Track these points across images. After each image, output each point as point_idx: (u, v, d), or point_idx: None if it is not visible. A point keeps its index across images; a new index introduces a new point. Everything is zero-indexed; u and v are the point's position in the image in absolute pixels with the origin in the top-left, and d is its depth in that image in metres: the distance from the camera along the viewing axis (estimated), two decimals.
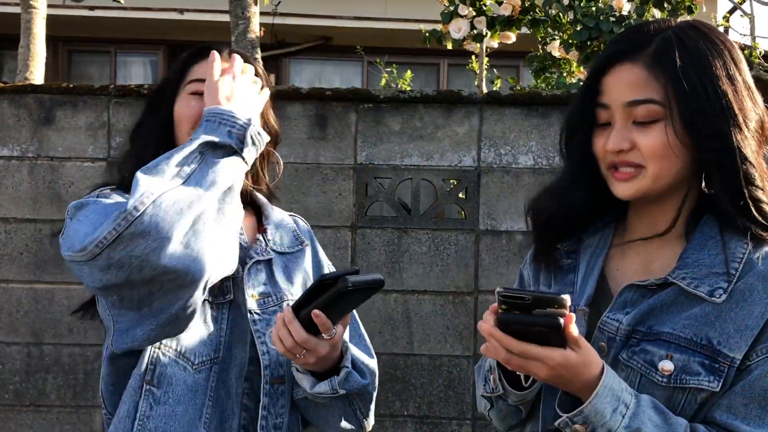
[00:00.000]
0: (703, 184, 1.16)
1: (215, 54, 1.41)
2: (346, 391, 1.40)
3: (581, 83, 1.27)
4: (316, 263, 1.61)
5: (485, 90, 4.68)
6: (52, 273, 3.27)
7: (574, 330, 1.04)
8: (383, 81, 7.16)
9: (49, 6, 4.15)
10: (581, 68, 3.96)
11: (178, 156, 1.26)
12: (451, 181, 3.36)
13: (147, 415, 1.37)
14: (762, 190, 1.14)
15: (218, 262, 1.27)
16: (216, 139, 1.28)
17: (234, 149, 1.30)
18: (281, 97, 3.30)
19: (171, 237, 1.20)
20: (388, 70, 7.23)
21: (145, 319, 1.28)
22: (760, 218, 1.13)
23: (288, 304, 1.43)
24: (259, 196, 1.59)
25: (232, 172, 1.29)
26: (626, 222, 1.27)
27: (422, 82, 8.58)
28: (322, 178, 3.29)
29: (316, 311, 1.25)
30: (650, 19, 1.23)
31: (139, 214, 1.18)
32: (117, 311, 1.30)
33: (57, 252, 3.26)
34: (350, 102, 3.29)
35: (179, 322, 1.30)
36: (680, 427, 1.09)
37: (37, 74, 3.88)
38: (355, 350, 1.48)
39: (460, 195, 3.34)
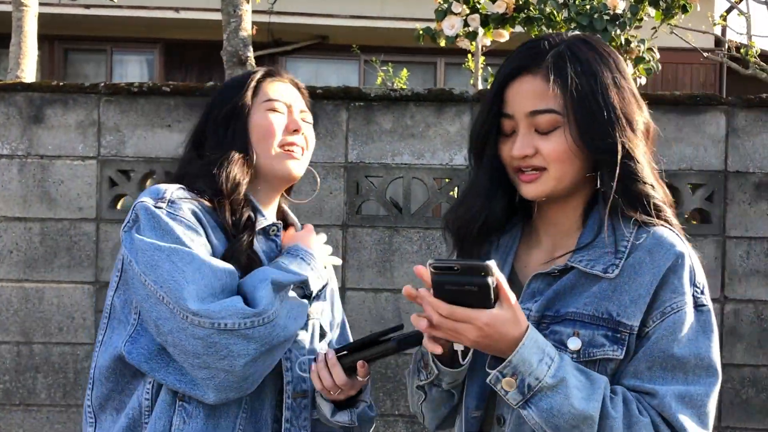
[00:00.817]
0: (598, 184, 1.27)
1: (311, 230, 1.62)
2: (358, 423, 1.48)
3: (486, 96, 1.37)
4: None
5: (481, 88, 4.68)
6: (42, 272, 3.26)
7: (505, 286, 1.12)
8: (379, 79, 7.15)
9: (45, 4, 4.15)
10: None
11: (294, 278, 1.43)
12: (444, 179, 3.35)
13: (180, 429, 1.37)
14: (651, 185, 1.27)
15: (256, 384, 1.40)
16: (310, 281, 1.48)
17: (305, 296, 1.50)
18: None
19: (265, 353, 1.35)
20: (384, 68, 7.23)
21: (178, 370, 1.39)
22: (649, 209, 1.26)
23: (330, 345, 1.58)
24: (290, 214, 1.69)
25: (303, 314, 1.47)
26: (531, 222, 1.39)
27: (419, 80, 8.56)
28: (313, 177, 3.28)
29: (362, 362, 1.37)
30: (545, 34, 1.38)
31: (263, 324, 1.33)
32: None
33: (47, 250, 3.25)
34: (341, 100, 3.28)
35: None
36: (601, 381, 1.18)
37: (28, 72, 3.87)
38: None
39: (452, 193, 3.33)
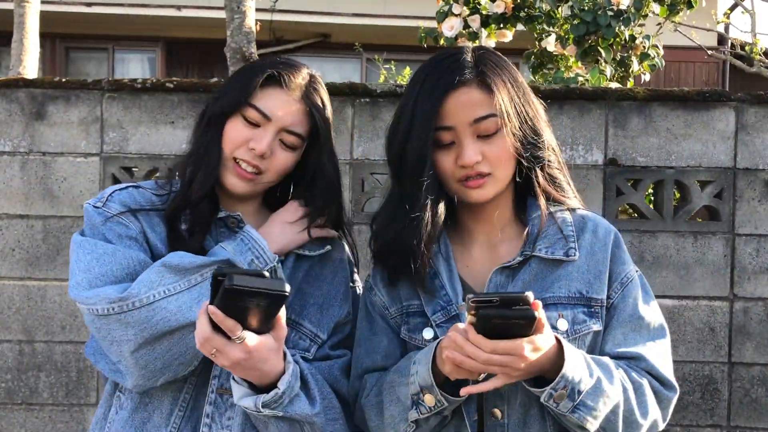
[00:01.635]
0: (518, 176, 1.38)
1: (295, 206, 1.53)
2: (285, 414, 1.31)
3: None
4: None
5: None
6: (45, 269, 3.23)
7: (543, 316, 1.20)
8: (382, 78, 7.13)
9: (46, 2, 4.12)
10: (579, 63, 3.92)
11: (200, 262, 1.36)
12: None
13: (112, 419, 1.44)
14: (559, 170, 1.43)
15: (170, 372, 1.36)
16: (236, 262, 1.39)
17: None
18: None
19: (148, 339, 1.31)
20: (387, 66, 7.20)
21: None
22: (573, 194, 1.45)
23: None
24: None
25: None
26: (459, 225, 1.45)
27: None
28: None
29: (210, 307, 1.19)
30: (451, 49, 1.43)
31: (134, 308, 1.31)
32: None
33: (49, 248, 3.22)
34: (346, 96, 3.25)
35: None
36: (610, 363, 1.31)
37: (29, 69, 3.85)
38: (328, 372, 1.44)
39: None
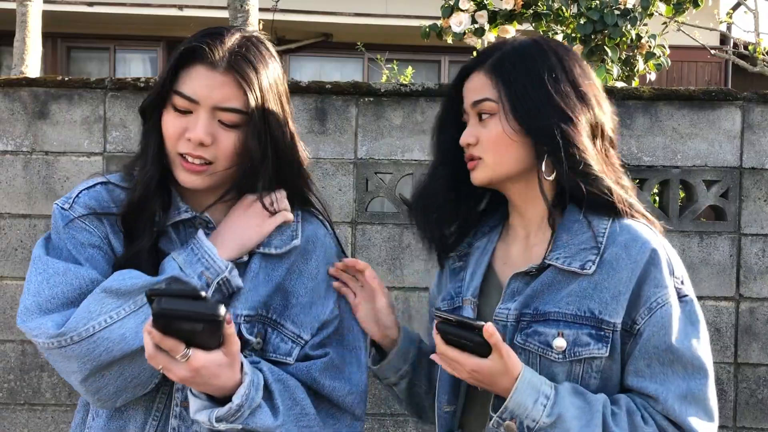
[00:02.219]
0: (544, 169, 1.32)
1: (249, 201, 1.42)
2: (246, 426, 1.25)
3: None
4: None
5: None
6: None
7: (497, 340, 1.20)
8: (384, 77, 7.11)
9: (48, 2, 4.11)
10: (585, 62, 3.90)
11: (142, 283, 1.27)
12: None
13: (90, 425, 1.39)
14: (594, 170, 1.31)
15: (127, 394, 1.31)
16: (184, 278, 1.29)
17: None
18: None
19: (93, 370, 1.25)
20: (389, 66, 7.18)
21: None
22: (612, 200, 1.31)
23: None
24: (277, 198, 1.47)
25: None
26: (509, 221, 1.46)
27: (423, 78, 8.52)
28: (322, 173, 3.24)
29: (147, 328, 1.14)
30: (503, 38, 1.48)
31: (73, 343, 1.23)
32: None
33: None
34: (350, 95, 3.23)
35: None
36: (598, 403, 1.23)
37: (32, 68, 3.83)
38: (306, 373, 1.36)
39: None
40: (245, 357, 1.30)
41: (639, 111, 3.16)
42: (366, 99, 3.23)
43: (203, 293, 1.12)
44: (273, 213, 1.40)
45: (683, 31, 5.86)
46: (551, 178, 1.33)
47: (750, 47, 6.59)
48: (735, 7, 7.69)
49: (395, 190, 3.27)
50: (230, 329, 1.18)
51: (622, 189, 1.35)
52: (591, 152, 1.32)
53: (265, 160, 1.36)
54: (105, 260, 1.34)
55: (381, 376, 1.51)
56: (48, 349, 1.25)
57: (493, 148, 1.35)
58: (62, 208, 1.37)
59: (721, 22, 7.61)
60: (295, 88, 3.23)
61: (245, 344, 1.34)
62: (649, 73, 4.01)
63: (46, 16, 3.99)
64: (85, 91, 3.24)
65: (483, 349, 1.21)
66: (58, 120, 3.24)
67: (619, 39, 3.62)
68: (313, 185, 1.50)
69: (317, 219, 1.50)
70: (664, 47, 3.96)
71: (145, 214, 1.35)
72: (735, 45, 7.33)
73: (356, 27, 8.31)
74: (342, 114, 3.24)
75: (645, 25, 3.93)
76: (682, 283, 1.30)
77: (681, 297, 1.29)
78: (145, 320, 1.21)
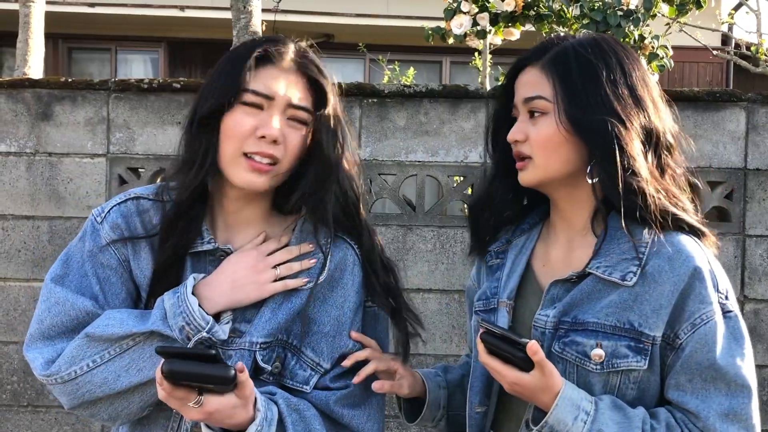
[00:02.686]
0: (589, 172, 1.29)
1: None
2: None
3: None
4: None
5: (488, 87, 4.63)
6: None
7: (541, 358, 1.19)
8: (386, 78, 7.10)
9: (49, 2, 4.10)
10: None
11: (124, 332, 1.28)
12: (455, 178, 3.30)
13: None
14: (641, 178, 1.26)
15: (121, 419, 1.34)
16: (164, 331, 1.27)
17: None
18: None
19: (82, 404, 1.31)
20: (391, 67, 7.18)
21: None
22: (655, 210, 1.26)
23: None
24: (305, 218, 1.41)
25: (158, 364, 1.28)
26: (549, 220, 1.43)
27: (424, 79, 8.51)
28: None
29: (158, 377, 1.16)
30: (558, 34, 1.45)
31: (57, 384, 1.30)
32: None
33: (55, 249, 3.20)
34: (354, 97, 3.23)
35: None
36: (637, 418, 1.21)
37: (35, 69, 3.83)
38: (323, 404, 1.34)
39: (467, 191, 3.28)
40: (262, 382, 1.31)
41: None
42: (369, 100, 3.23)
43: (213, 352, 1.14)
44: (277, 275, 1.34)
45: (685, 32, 5.85)
46: (593, 181, 1.29)
47: (752, 48, 6.58)
48: (737, 8, 7.68)
49: (399, 191, 3.27)
50: (243, 376, 1.18)
51: (671, 199, 1.30)
52: (640, 159, 1.27)
53: (309, 160, 1.35)
54: (120, 283, 1.36)
55: (420, 425, 1.53)
56: (42, 381, 1.33)
57: (543, 147, 1.31)
58: (96, 220, 1.38)
59: (723, 23, 7.60)
60: None
61: (260, 371, 1.32)
62: (652, 74, 4.01)
63: (48, 17, 3.99)
64: (88, 93, 3.23)
65: (525, 364, 1.21)
66: (62, 121, 3.23)
67: (622, 40, 3.62)
68: (362, 198, 1.45)
69: (346, 242, 1.42)
70: (667, 48, 3.95)
71: (180, 237, 1.33)
72: (737, 45, 7.32)
73: (357, 28, 8.31)
74: (345, 115, 3.23)
75: (647, 26, 3.92)
76: (726, 298, 1.27)
77: (725, 313, 1.26)
78: (129, 365, 1.27)
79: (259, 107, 1.30)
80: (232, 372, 1.14)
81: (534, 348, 1.19)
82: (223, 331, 1.29)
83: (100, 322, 1.30)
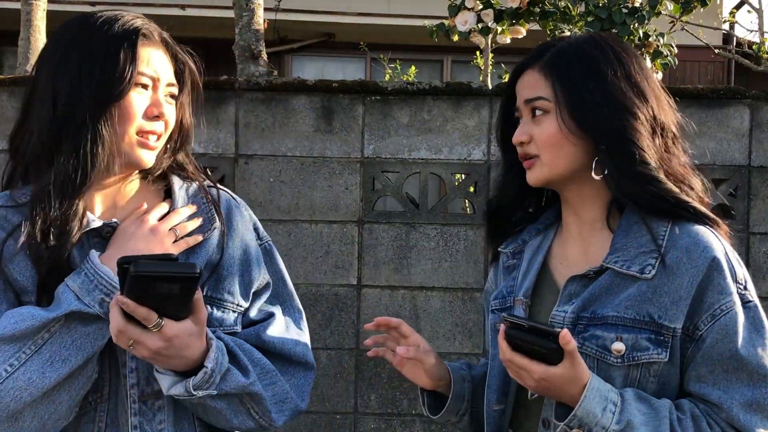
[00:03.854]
0: (594, 167, 1.29)
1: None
2: (221, 391, 1.26)
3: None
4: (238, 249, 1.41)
5: (491, 85, 4.62)
6: None
7: (574, 347, 1.17)
8: (387, 77, 7.10)
9: (51, 1, 4.09)
10: None
11: (38, 323, 1.20)
12: (457, 176, 3.29)
13: None
14: (651, 169, 1.27)
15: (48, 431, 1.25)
16: (84, 309, 1.22)
17: (102, 318, 1.23)
18: (286, 90, 3.23)
19: (5, 419, 1.20)
20: (392, 66, 7.17)
21: None
22: (670, 202, 1.27)
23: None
24: (175, 176, 1.43)
25: (93, 343, 1.24)
26: (563, 219, 1.42)
27: (425, 78, 8.50)
28: (329, 172, 3.23)
29: (120, 298, 1.14)
30: (556, 35, 1.38)
31: None
32: None
33: None
34: (357, 94, 3.22)
35: None
36: (664, 409, 1.21)
37: None
38: (254, 336, 1.37)
39: (470, 189, 3.27)
40: None
41: None
42: (373, 98, 3.22)
43: (174, 255, 1.14)
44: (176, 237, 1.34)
45: (687, 30, 5.85)
46: (600, 177, 1.29)
47: (754, 46, 6.58)
48: (738, 6, 7.68)
49: (402, 189, 3.26)
50: (198, 295, 1.18)
51: (684, 189, 1.30)
52: (650, 151, 1.28)
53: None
54: None
55: (442, 421, 1.49)
56: None
57: (548, 146, 1.32)
58: None
59: (724, 22, 7.60)
60: (302, 87, 3.22)
61: None
62: (656, 72, 4.00)
63: (49, 15, 3.97)
64: None
65: (555, 356, 1.18)
66: None
67: (626, 37, 3.61)
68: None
69: (220, 189, 1.46)
70: (671, 46, 3.95)
71: (66, 222, 1.26)
72: (739, 44, 7.31)
73: (359, 27, 8.30)
74: (349, 113, 3.23)
75: (650, 24, 3.92)
76: (745, 288, 1.27)
77: (745, 303, 1.25)
78: (50, 358, 1.20)
79: (146, 87, 1.31)
80: (198, 267, 1.13)
81: (567, 336, 1.16)
82: None
83: (6, 321, 1.21)
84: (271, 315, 1.42)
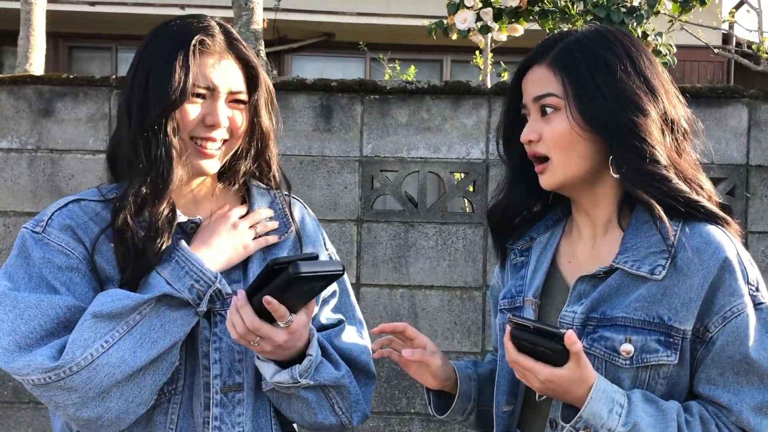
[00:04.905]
0: (611, 168, 1.27)
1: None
2: (315, 382, 1.32)
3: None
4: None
5: (490, 84, 4.63)
6: None
7: (579, 348, 1.16)
8: (387, 77, 7.10)
9: (50, 1, 4.09)
10: None
11: (132, 303, 1.25)
12: (456, 174, 3.30)
13: None
14: (662, 168, 1.24)
15: (129, 416, 1.29)
16: (175, 293, 1.28)
17: (190, 304, 1.29)
18: (286, 89, 3.24)
19: (95, 397, 1.24)
20: (391, 65, 7.18)
21: None
22: (666, 191, 1.24)
23: (242, 289, 1.32)
24: (254, 183, 1.49)
25: (179, 328, 1.29)
26: (572, 216, 1.40)
27: (425, 78, 8.51)
28: (327, 171, 3.23)
29: (267, 297, 1.19)
30: (562, 30, 1.41)
31: (72, 374, 1.21)
32: None
33: None
34: (356, 93, 3.23)
35: None
36: (672, 411, 1.19)
37: (36, 66, 3.83)
38: (326, 340, 1.40)
39: (469, 188, 3.27)
40: None
41: None
42: (372, 97, 3.23)
43: (314, 254, 1.23)
44: (257, 235, 1.42)
45: (686, 30, 5.85)
46: (618, 175, 1.26)
47: (753, 46, 6.59)
48: (738, 6, 7.68)
49: (401, 187, 3.27)
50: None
51: (693, 188, 1.27)
52: (661, 148, 1.25)
53: (252, 132, 1.42)
54: (85, 282, 1.30)
55: (448, 420, 1.50)
56: (43, 385, 1.21)
57: (559, 145, 1.28)
58: (34, 232, 1.31)
59: (723, 21, 7.60)
60: (301, 86, 3.22)
61: None
62: None
63: (48, 15, 3.98)
64: (90, 89, 3.23)
65: (560, 357, 1.17)
66: (63, 118, 3.23)
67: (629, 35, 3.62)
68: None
69: (294, 198, 1.53)
70: (670, 46, 3.95)
71: (159, 216, 1.32)
72: (738, 44, 7.31)
73: (358, 26, 8.30)
74: (347, 112, 3.23)
75: (650, 23, 3.92)
76: (757, 289, 1.24)
77: (756, 305, 1.23)
78: (140, 340, 1.24)
79: (203, 97, 1.35)
80: (342, 264, 1.21)
81: (572, 338, 1.14)
82: (227, 286, 1.34)
83: (103, 300, 1.25)
84: (341, 321, 1.48)
